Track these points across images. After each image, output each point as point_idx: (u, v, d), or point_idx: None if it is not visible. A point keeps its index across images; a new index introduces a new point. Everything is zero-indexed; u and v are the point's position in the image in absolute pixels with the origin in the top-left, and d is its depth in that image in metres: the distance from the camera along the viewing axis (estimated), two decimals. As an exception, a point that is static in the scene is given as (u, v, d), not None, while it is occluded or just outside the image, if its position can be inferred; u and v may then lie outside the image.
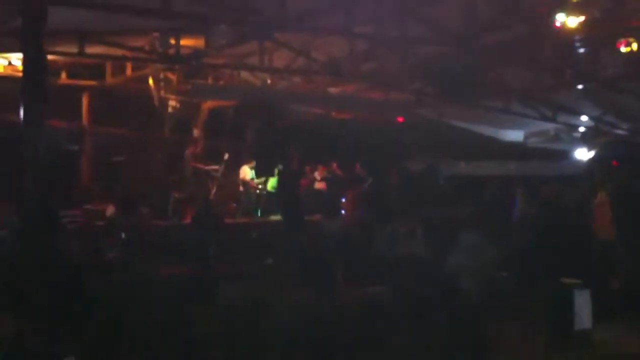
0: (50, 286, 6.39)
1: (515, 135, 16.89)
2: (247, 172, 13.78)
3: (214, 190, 13.46)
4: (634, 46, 9.83)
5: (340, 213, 12.65)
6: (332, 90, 14.50)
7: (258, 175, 13.90)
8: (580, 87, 12.14)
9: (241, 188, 13.78)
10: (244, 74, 14.14)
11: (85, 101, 13.83)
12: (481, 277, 6.24)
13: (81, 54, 10.12)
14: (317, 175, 15.11)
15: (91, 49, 10.36)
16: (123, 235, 10.22)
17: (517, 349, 4.98)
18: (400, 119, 15.87)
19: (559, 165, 17.67)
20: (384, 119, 15.90)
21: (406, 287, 6.34)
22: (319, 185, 15.01)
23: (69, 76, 13.07)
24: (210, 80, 14.24)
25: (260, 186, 13.75)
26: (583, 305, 5.06)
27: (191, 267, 8.30)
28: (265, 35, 9.95)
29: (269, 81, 13.81)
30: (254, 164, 13.91)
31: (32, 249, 6.60)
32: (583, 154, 17.45)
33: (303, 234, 9.47)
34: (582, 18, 8.77)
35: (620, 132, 15.83)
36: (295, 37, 10.49)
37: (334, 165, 15.25)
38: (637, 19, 9.46)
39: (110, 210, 11.32)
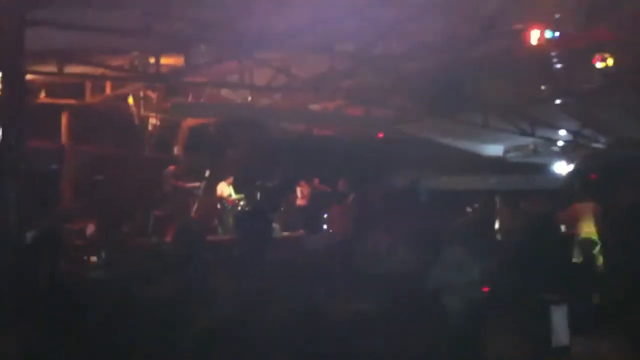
0: (48, 304, 6.34)
1: (494, 149, 17.02)
2: (224, 189, 13.73)
3: (194, 208, 13.40)
4: (609, 61, 10.00)
5: (323, 229, 12.64)
6: (313, 107, 14.54)
7: (238, 191, 13.87)
8: (558, 101, 12.28)
9: (219, 205, 13.71)
10: (225, 92, 14.14)
11: (65, 120, 13.73)
12: (462, 293, 6.27)
13: (60, 73, 10.07)
14: (298, 191, 15.10)
15: (70, 68, 10.32)
16: (103, 254, 10.16)
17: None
18: (380, 135, 15.95)
19: (539, 179, 17.83)
20: (364, 134, 15.97)
21: (389, 303, 6.35)
22: (300, 202, 15.01)
23: (48, 95, 12.98)
24: (191, 98, 14.21)
25: (241, 202, 13.71)
26: (560, 321, 5.09)
27: (173, 285, 8.24)
28: (246, 53, 9.98)
29: (249, 98, 13.82)
30: (231, 180, 13.86)
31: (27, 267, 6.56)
32: (562, 168, 17.63)
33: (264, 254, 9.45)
34: (557, 34, 8.96)
35: (598, 145, 16.02)
36: (275, 54, 10.54)
37: (316, 181, 15.26)
38: (610, 35, 9.63)
39: (90, 229, 11.24)
